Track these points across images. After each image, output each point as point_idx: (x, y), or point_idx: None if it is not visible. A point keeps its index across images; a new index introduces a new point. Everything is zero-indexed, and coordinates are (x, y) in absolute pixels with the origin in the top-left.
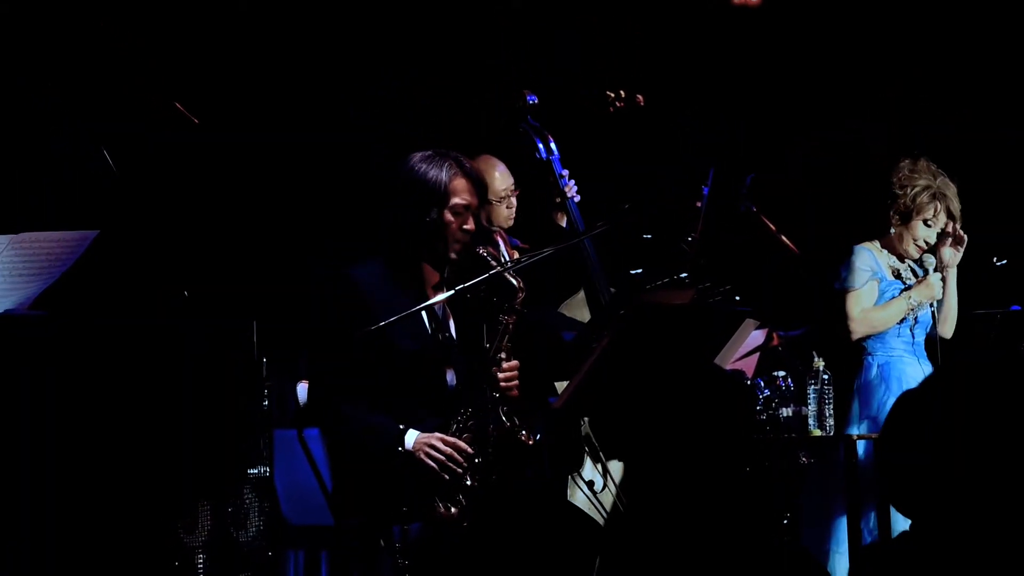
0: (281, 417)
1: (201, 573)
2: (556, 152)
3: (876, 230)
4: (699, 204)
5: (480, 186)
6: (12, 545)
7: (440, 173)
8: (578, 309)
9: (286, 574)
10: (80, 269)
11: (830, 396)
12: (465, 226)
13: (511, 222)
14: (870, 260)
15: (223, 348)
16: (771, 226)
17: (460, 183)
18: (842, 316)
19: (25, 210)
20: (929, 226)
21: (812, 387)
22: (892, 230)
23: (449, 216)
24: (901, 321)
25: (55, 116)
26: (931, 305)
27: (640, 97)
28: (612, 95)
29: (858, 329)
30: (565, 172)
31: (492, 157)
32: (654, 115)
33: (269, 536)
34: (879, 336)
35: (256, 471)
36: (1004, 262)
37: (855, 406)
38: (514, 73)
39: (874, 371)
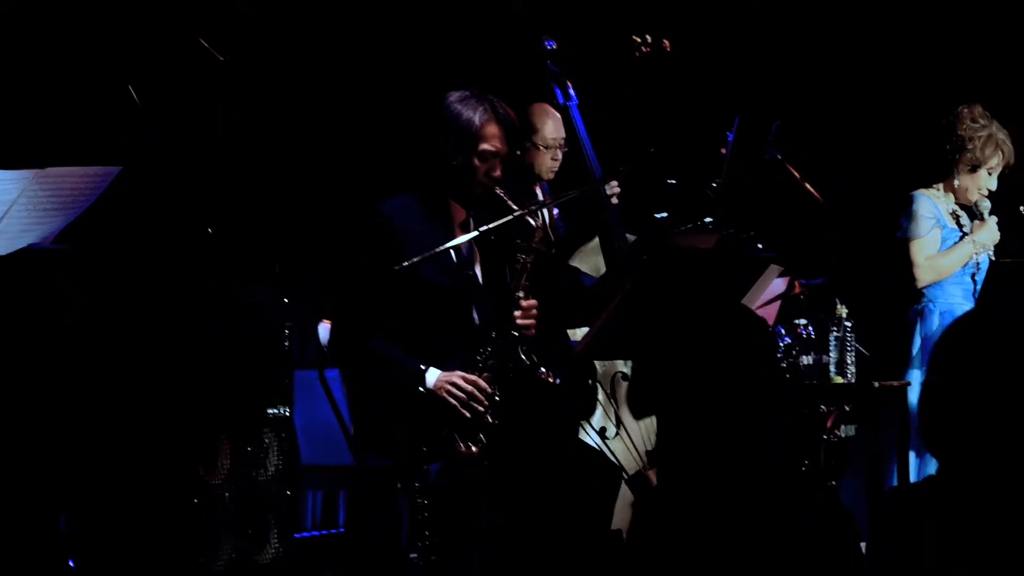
0: (302, 357)
1: (221, 512)
2: (575, 98)
3: (937, 175)
4: (724, 151)
5: (513, 133)
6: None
7: (473, 116)
8: (592, 256)
9: (304, 514)
10: (104, 204)
11: (852, 343)
12: (492, 172)
13: (552, 175)
14: (931, 207)
15: (244, 287)
16: (796, 173)
17: (492, 129)
18: (907, 264)
19: (49, 145)
20: (991, 174)
21: (834, 334)
22: (957, 180)
23: (477, 161)
24: (964, 266)
25: (80, 52)
26: (989, 250)
27: (667, 42)
28: (638, 40)
29: (924, 277)
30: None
31: (547, 106)
32: (681, 60)
33: (288, 476)
34: (939, 283)
35: (276, 411)
36: None
37: (917, 353)
38: (535, 19)
39: (936, 318)
